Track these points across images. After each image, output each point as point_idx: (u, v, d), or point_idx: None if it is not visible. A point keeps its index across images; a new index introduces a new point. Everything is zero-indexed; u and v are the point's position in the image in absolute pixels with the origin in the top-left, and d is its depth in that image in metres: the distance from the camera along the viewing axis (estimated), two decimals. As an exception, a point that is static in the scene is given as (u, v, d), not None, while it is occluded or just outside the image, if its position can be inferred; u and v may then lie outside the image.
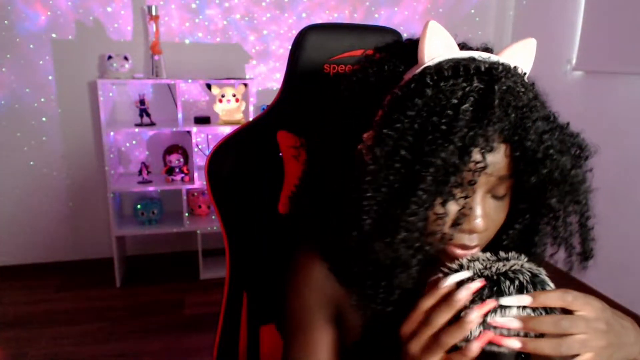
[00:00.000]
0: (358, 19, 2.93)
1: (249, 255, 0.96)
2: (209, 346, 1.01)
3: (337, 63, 0.92)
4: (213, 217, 2.83)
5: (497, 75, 0.51)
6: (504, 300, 0.49)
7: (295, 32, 0.90)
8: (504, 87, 0.50)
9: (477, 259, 0.55)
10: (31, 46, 2.58)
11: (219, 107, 2.63)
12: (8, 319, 2.35)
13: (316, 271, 0.66)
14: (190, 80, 2.65)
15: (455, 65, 0.52)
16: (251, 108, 2.69)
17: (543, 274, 0.54)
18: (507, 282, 0.51)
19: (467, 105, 0.49)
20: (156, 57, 2.57)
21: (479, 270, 0.54)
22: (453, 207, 0.53)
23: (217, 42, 2.81)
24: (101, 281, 2.71)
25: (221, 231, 0.93)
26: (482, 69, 0.52)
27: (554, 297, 0.49)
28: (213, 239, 2.81)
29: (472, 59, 0.53)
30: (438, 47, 0.55)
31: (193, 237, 2.76)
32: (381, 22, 2.94)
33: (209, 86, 2.62)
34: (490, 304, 0.49)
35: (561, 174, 0.52)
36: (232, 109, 2.62)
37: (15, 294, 2.60)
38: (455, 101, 0.49)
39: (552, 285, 0.53)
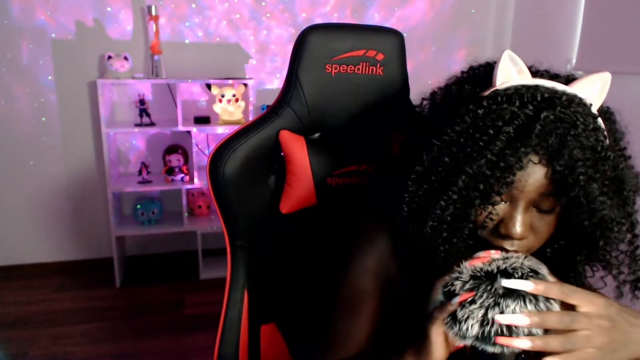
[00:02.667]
0: (358, 19, 2.93)
1: (250, 254, 0.96)
2: (209, 346, 1.01)
3: (338, 63, 0.92)
4: (213, 217, 2.84)
5: (551, 104, 0.56)
6: (506, 282, 0.52)
7: (296, 32, 0.90)
8: (552, 116, 0.55)
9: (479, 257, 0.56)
10: (31, 46, 2.58)
11: (219, 107, 2.63)
12: (8, 319, 2.35)
13: (377, 247, 0.71)
14: (190, 80, 2.65)
15: (515, 92, 0.58)
16: (251, 108, 2.69)
17: (544, 271, 0.55)
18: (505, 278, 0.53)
19: (509, 127, 0.55)
20: (156, 57, 2.57)
21: (479, 267, 0.55)
22: (485, 213, 0.60)
23: (217, 42, 2.81)
24: (101, 281, 2.71)
25: (221, 231, 0.94)
26: (539, 97, 0.57)
27: (554, 287, 0.52)
28: (213, 239, 2.81)
29: (536, 87, 0.59)
30: (510, 73, 0.61)
31: (193, 237, 2.76)
32: (382, 23, 2.95)
33: (209, 86, 2.62)
34: (469, 295, 0.53)
35: (587, 200, 0.56)
36: (232, 109, 2.62)
37: (15, 294, 2.60)
38: (500, 123, 0.56)
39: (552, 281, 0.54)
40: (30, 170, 2.72)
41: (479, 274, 0.55)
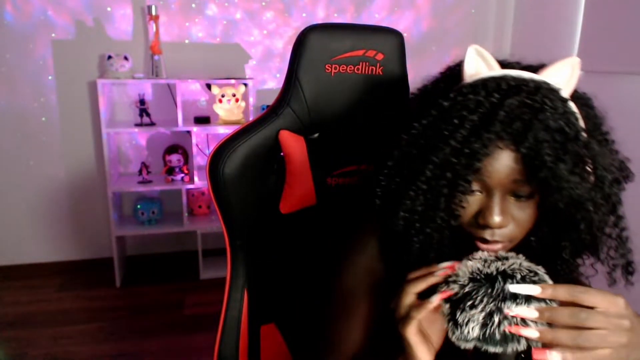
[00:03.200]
0: (359, 19, 2.93)
1: (250, 255, 0.96)
2: (209, 346, 1.01)
3: (338, 63, 0.92)
4: (213, 217, 2.83)
5: (515, 91, 0.56)
6: (512, 287, 0.52)
7: (295, 32, 0.90)
8: (516, 102, 0.55)
9: (478, 259, 0.56)
10: (31, 46, 2.58)
11: (219, 107, 2.63)
12: (8, 319, 2.35)
13: (371, 245, 0.71)
14: (190, 80, 2.64)
15: (478, 83, 0.59)
16: (251, 108, 2.69)
17: (542, 272, 0.55)
18: (505, 280, 0.53)
19: (473, 116, 0.56)
20: (156, 57, 2.57)
21: (478, 269, 0.55)
22: (473, 205, 0.60)
23: (217, 42, 2.81)
24: (101, 281, 2.71)
25: (221, 231, 0.94)
26: (504, 85, 0.57)
27: (562, 290, 0.51)
28: (213, 239, 2.81)
29: (502, 77, 0.59)
30: (478, 67, 0.62)
31: (193, 237, 2.76)
32: (382, 23, 2.94)
33: (209, 86, 2.62)
34: (448, 292, 0.54)
35: (557, 181, 0.55)
36: (232, 109, 2.62)
37: (16, 294, 2.60)
38: (465, 112, 0.57)
39: (551, 283, 0.54)
40: (30, 170, 2.72)
41: (478, 277, 0.54)
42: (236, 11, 2.79)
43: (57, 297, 2.57)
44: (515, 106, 0.55)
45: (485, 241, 0.61)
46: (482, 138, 0.55)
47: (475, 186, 0.59)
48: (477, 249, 0.62)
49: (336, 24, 0.98)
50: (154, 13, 2.54)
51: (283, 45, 2.87)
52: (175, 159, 2.73)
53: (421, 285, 0.57)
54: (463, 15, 3.07)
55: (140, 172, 2.71)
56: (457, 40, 3.04)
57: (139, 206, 2.74)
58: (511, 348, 0.52)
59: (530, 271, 0.54)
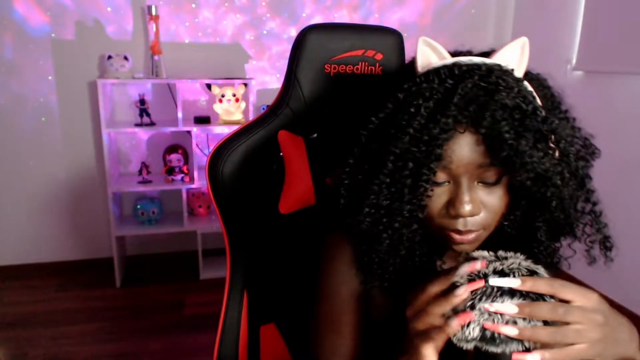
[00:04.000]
0: (358, 19, 2.93)
1: (249, 255, 0.96)
2: (209, 346, 1.01)
3: (337, 63, 0.92)
4: (213, 217, 2.84)
5: (468, 75, 0.56)
6: (493, 281, 0.51)
7: (295, 32, 0.90)
8: (469, 84, 0.55)
9: (476, 258, 0.56)
10: (31, 46, 2.58)
11: (219, 107, 2.63)
12: (8, 319, 2.35)
13: (346, 252, 0.71)
14: (190, 80, 2.65)
15: (429, 72, 0.59)
16: (251, 108, 2.69)
17: (542, 272, 0.55)
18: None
19: (428, 103, 0.55)
20: (156, 57, 2.57)
21: (478, 270, 0.54)
22: (442, 196, 0.59)
23: (217, 42, 2.81)
24: (101, 281, 2.71)
25: (221, 231, 0.93)
26: (456, 71, 0.57)
27: (542, 282, 0.51)
28: (213, 239, 2.81)
29: (454, 64, 0.58)
30: (429, 58, 0.61)
31: (193, 237, 2.76)
32: (381, 22, 2.94)
33: (209, 86, 2.62)
34: (479, 283, 0.52)
35: (520, 158, 0.55)
36: (232, 109, 2.62)
37: (15, 294, 2.60)
38: (420, 101, 0.56)
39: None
40: (30, 170, 2.72)
41: (476, 277, 0.54)
42: (236, 11, 2.79)
43: (57, 297, 2.57)
44: (469, 89, 0.55)
45: (459, 232, 0.60)
46: (439, 123, 0.54)
47: (441, 177, 0.59)
48: (450, 243, 0.62)
49: (335, 23, 0.98)
50: (154, 13, 2.54)
51: (283, 45, 2.87)
52: (175, 158, 2.73)
53: (446, 307, 0.52)
54: (463, 15, 3.07)
55: (140, 172, 2.71)
56: (457, 40, 3.03)
57: (139, 206, 2.74)
58: (511, 348, 0.52)
59: (529, 270, 0.54)
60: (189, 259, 2.87)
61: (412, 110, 0.56)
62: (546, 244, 0.64)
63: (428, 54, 0.61)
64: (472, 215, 0.59)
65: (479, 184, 0.59)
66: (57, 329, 2.27)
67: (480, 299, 0.52)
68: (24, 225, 2.78)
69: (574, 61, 2.65)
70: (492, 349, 0.52)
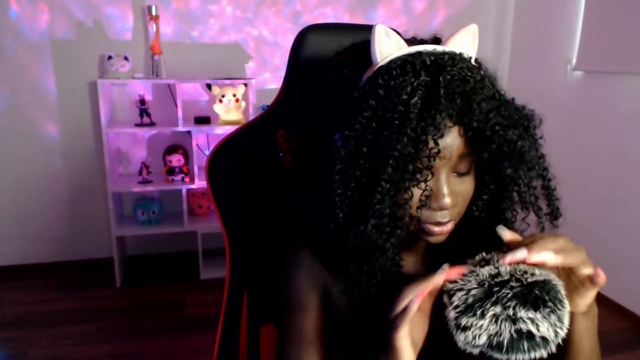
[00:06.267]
0: (357, 18, 2.93)
1: (249, 255, 0.96)
2: (209, 346, 1.01)
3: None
4: (213, 217, 2.83)
5: (442, 66, 0.56)
6: (508, 257, 0.55)
7: (295, 32, 0.90)
8: (449, 76, 0.55)
9: (488, 263, 0.56)
10: (31, 46, 2.58)
11: (219, 107, 2.63)
12: (8, 319, 2.35)
13: (304, 258, 0.70)
14: (190, 81, 2.65)
15: (402, 63, 0.57)
16: (251, 108, 2.69)
17: (554, 280, 0.54)
18: (514, 283, 0.52)
19: (416, 98, 0.54)
20: (156, 57, 2.57)
21: (487, 274, 0.54)
22: (418, 191, 0.58)
23: (217, 42, 2.81)
24: (101, 281, 2.71)
25: (221, 231, 0.93)
26: (428, 62, 0.57)
27: (546, 241, 0.56)
28: (213, 239, 2.81)
29: (419, 54, 0.58)
30: (389, 47, 0.60)
31: (193, 237, 2.76)
32: (381, 22, 2.94)
33: (209, 86, 2.62)
34: (459, 269, 0.55)
35: (509, 147, 0.57)
36: (232, 109, 2.62)
37: (15, 294, 2.60)
38: (405, 97, 0.55)
39: (562, 291, 0.54)
40: (31, 170, 2.72)
41: (485, 282, 0.53)
42: (236, 11, 2.79)
43: (57, 297, 2.57)
44: (448, 81, 0.55)
45: (439, 223, 0.60)
46: (435, 119, 0.54)
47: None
48: (425, 235, 0.62)
49: (335, 24, 0.98)
50: (154, 13, 2.54)
51: (283, 45, 2.87)
52: (175, 159, 2.73)
53: (420, 289, 0.55)
54: (462, 16, 3.06)
55: (140, 172, 2.71)
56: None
57: (138, 206, 2.74)
58: (517, 357, 0.52)
59: (544, 277, 0.54)
60: (189, 259, 2.87)
61: (402, 108, 0.54)
62: (512, 221, 0.66)
63: (388, 44, 0.60)
64: (453, 206, 0.59)
65: (453, 174, 0.60)
66: (57, 329, 2.27)
67: (488, 306, 0.52)
68: (24, 225, 2.78)
69: (574, 61, 2.65)
70: (498, 355, 0.52)
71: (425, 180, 0.57)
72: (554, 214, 0.64)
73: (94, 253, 2.89)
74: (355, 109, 0.58)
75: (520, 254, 0.54)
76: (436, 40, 0.63)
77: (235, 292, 0.96)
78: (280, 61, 2.90)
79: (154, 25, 2.55)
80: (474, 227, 0.66)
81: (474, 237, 0.66)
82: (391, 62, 0.58)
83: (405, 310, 0.54)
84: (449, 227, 0.61)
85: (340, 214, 0.59)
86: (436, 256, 0.69)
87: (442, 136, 0.55)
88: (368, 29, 0.96)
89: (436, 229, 0.60)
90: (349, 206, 0.59)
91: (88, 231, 2.87)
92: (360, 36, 0.94)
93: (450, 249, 0.66)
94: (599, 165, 2.52)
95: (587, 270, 0.56)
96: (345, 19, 2.91)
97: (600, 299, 2.56)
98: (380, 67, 0.59)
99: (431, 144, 0.55)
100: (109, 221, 2.65)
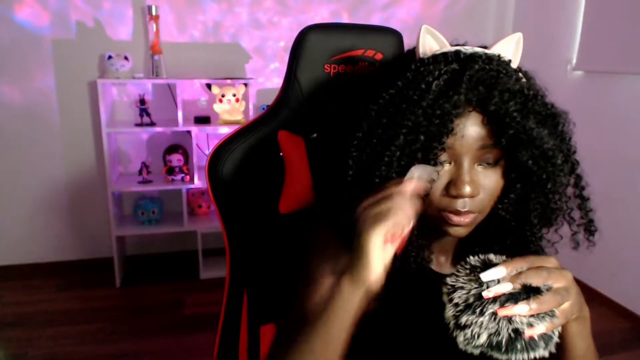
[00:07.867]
0: (358, 18, 2.93)
1: (249, 255, 0.96)
2: (209, 346, 1.01)
3: (337, 63, 0.92)
4: (213, 217, 2.84)
5: (475, 60, 0.59)
6: (484, 275, 0.54)
7: (295, 32, 0.90)
8: (477, 67, 0.58)
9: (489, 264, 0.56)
10: (31, 46, 2.58)
11: (219, 107, 2.63)
12: (8, 319, 2.35)
13: (330, 242, 0.70)
14: (190, 80, 2.64)
15: (437, 55, 0.62)
16: (251, 108, 2.69)
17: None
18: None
19: (439, 81, 0.58)
20: (156, 57, 2.57)
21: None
22: (443, 177, 0.60)
23: (217, 42, 2.81)
24: (101, 281, 2.71)
25: (221, 231, 0.93)
26: (462, 56, 0.60)
27: (522, 262, 0.56)
28: (213, 239, 2.81)
29: (457, 51, 0.62)
30: (432, 46, 0.64)
31: (193, 237, 2.76)
32: (380, 22, 2.94)
33: (209, 86, 2.62)
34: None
35: (527, 135, 0.58)
36: (232, 109, 2.62)
37: (15, 294, 2.60)
38: (430, 79, 0.59)
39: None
40: (31, 170, 2.72)
41: (485, 282, 0.54)
42: (236, 11, 2.79)
43: (57, 297, 2.58)
44: (475, 71, 0.58)
45: (458, 212, 0.61)
46: (451, 99, 0.56)
47: (444, 157, 0.60)
48: (446, 226, 0.63)
49: (335, 23, 0.98)
50: (154, 13, 2.54)
51: (283, 45, 2.87)
52: (175, 158, 2.73)
53: (406, 188, 0.55)
54: (463, 16, 3.06)
55: (140, 172, 2.71)
56: (456, 41, 3.03)
57: (139, 206, 2.74)
58: (517, 356, 0.52)
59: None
60: (189, 259, 2.87)
61: (423, 86, 0.58)
62: (537, 227, 0.66)
63: (430, 42, 0.63)
64: (472, 196, 0.60)
65: (478, 166, 0.61)
66: (57, 329, 2.27)
67: (488, 306, 0.52)
68: (24, 225, 2.78)
69: (574, 61, 2.65)
70: (498, 355, 0.52)
71: (436, 157, 0.59)
72: (589, 228, 0.64)
73: (94, 253, 2.89)
74: (383, 89, 0.62)
75: (498, 273, 0.55)
76: (483, 47, 0.65)
77: (235, 291, 0.96)
78: (280, 61, 2.90)
79: (154, 25, 2.55)
80: (499, 227, 0.66)
81: (499, 238, 0.67)
82: (431, 55, 0.62)
83: (389, 209, 0.53)
84: (467, 219, 0.62)
85: (350, 173, 0.63)
86: (467, 257, 0.69)
87: (457, 115, 0.57)
88: (368, 29, 0.96)
89: (455, 218, 0.61)
90: (360, 168, 0.62)
91: (88, 231, 2.87)
92: (360, 36, 0.94)
93: (479, 251, 0.65)
94: (599, 165, 2.51)
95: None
96: (345, 19, 2.91)
97: (601, 299, 2.58)
98: (421, 58, 0.63)
99: (444, 120, 0.56)
100: (109, 221, 2.65)
